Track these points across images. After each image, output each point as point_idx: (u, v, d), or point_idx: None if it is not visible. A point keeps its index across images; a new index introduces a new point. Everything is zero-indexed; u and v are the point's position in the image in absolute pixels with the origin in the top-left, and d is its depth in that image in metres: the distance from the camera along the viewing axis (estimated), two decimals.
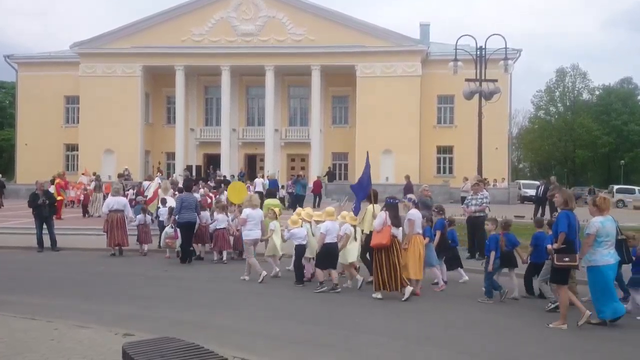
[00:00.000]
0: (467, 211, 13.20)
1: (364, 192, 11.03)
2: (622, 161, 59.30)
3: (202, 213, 13.29)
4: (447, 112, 38.28)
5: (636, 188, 40.10)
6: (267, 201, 13.28)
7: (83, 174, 29.27)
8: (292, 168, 38.78)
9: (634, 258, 8.51)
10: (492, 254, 9.02)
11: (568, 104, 68.12)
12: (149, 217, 14.58)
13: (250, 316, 7.98)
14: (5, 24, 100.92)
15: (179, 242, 12.87)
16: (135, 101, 37.10)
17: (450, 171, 37.86)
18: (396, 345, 6.67)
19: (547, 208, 22.81)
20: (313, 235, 10.41)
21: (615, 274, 7.91)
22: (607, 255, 7.57)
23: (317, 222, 10.53)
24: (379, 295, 9.14)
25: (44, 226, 14.46)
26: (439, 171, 38.17)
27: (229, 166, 36.80)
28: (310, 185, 28.73)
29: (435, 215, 10.82)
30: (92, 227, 17.18)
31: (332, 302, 8.96)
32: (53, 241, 14.29)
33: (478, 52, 19.80)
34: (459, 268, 10.78)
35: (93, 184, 23.09)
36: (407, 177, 25.09)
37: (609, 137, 61.54)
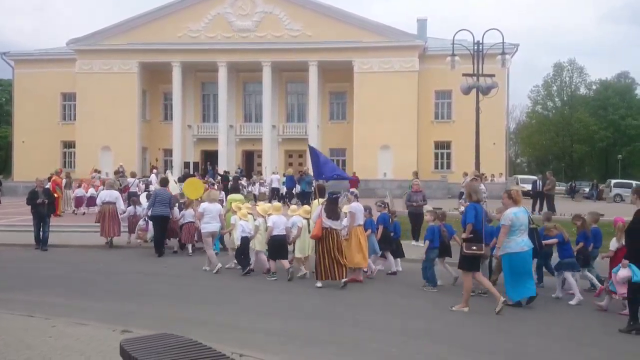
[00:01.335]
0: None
1: (338, 172, 11.34)
2: (620, 155, 59.31)
3: (175, 208, 13.79)
4: (445, 108, 38.24)
5: (634, 182, 40.13)
6: (231, 196, 13.92)
7: (97, 171, 29.45)
8: (290, 164, 38.70)
9: (544, 244, 9.39)
10: (427, 243, 9.59)
11: (565, 98, 68.05)
12: (139, 209, 14.91)
13: (249, 312, 7.98)
14: (3, 23, 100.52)
15: (150, 234, 13.57)
16: (132, 98, 37.02)
17: (448, 166, 37.86)
18: (395, 340, 6.68)
19: (545, 202, 22.91)
20: (266, 230, 10.88)
21: (530, 260, 8.57)
22: (521, 243, 8.23)
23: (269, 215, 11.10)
24: (319, 284, 9.57)
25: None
26: (436, 166, 38.16)
27: (227, 162, 36.73)
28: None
29: (378, 209, 11.33)
30: (88, 225, 17.15)
31: (330, 297, 8.97)
32: (44, 239, 14.14)
33: (475, 47, 19.79)
34: (398, 259, 11.34)
35: (64, 182, 22.96)
36: (415, 173, 25.13)
37: (607, 132, 61.54)
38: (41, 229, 14.16)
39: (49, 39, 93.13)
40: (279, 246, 10.46)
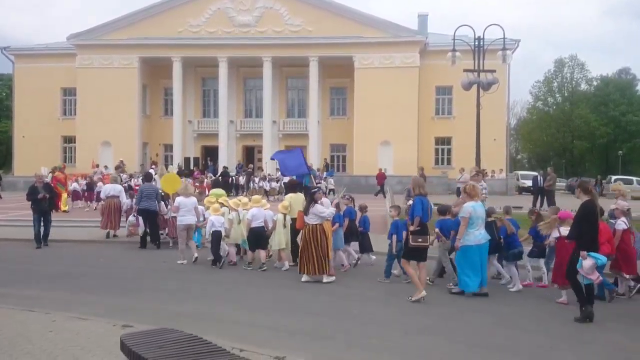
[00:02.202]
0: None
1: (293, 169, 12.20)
2: (620, 152, 59.24)
3: (162, 203, 14.04)
4: (446, 103, 38.22)
5: (634, 178, 40.08)
6: (213, 191, 14.31)
7: (105, 166, 29.55)
8: None
9: (501, 237, 9.61)
10: (394, 237, 9.80)
11: (566, 94, 67.85)
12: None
13: (249, 307, 7.99)
14: (3, 22, 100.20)
15: (141, 229, 13.79)
16: (133, 93, 37.00)
17: (449, 162, 37.85)
18: (395, 335, 6.68)
19: (546, 198, 22.87)
20: (239, 223, 11.26)
21: (487, 251, 8.94)
22: (478, 236, 8.68)
23: (245, 209, 11.43)
24: (303, 278, 9.74)
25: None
26: (437, 162, 38.15)
27: (227, 158, 36.74)
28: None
29: (344, 203, 11.74)
30: (88, 219, 17.16)
31: (330, 293, 8.98)
32: (45, 235, 13.99)
33: (476, 43, 19.71)
34: (369, 253, 11.62)
35: (49, 177, 22.82)
36: (421, 169, 25.10)
37: (607, 128, 61.44)
38: (42, 225, 14.08)
39: (49, 38, 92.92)
40: (257, 237, 10.84)
